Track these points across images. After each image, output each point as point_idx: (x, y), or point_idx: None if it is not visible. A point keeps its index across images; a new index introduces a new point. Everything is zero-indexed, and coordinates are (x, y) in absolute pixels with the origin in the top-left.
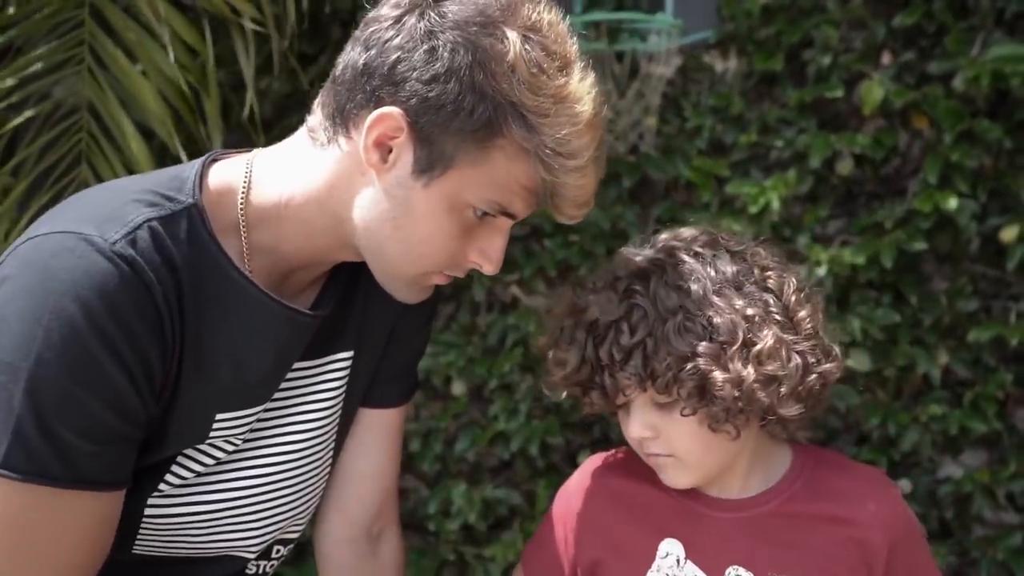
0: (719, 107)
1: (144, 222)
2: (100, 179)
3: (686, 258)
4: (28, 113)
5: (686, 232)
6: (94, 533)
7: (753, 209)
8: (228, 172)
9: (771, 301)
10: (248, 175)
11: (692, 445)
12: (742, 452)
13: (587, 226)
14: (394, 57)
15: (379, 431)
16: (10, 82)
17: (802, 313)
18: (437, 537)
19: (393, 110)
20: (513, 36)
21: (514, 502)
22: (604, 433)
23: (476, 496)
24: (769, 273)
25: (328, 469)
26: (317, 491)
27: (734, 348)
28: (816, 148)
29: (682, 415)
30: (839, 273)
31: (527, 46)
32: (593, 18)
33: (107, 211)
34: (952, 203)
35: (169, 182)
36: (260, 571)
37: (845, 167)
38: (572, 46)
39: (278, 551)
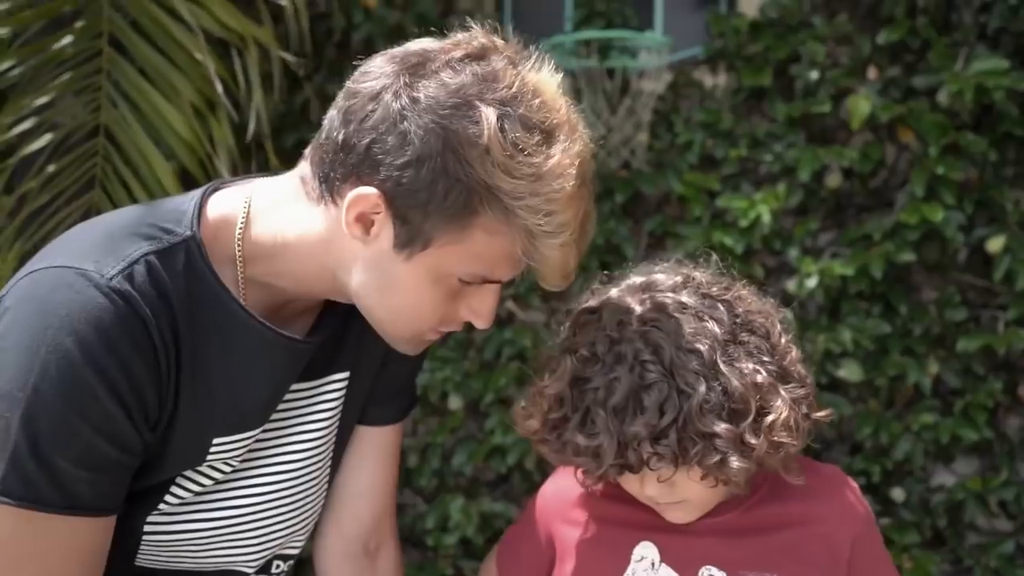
0: (709, 122)
1: (141, 256)
2: (114, 203)
3: (679, 315)
4: (45, 139)
5: (662, 279)
6: (86, 558)
7: (744, 223)
8: (227, 204)
9: (765, 348)
10: (247, 209)
11: (702, 494)
12: None
13: None
14: (369, 139)
15: (377, 448)
16: (26, 112)
17: (791, 356)
18: (435, 552)
19: (370, 191)
20: (489, 115)
21: (511, 516)
22: None
23: (473, 510)
24: (755, 317)
25: (325, 486)
26: (315, 508)
27: (747, 421)
28: (805, 162)
29: (701, 480)
30: (830, 284)
31: (505, 124)
32: (584, 36)
33: (105, 246)
34: (939, 215)
35: (168, 214)
36: None
37: (834, 180)
38: (559, 107)
39: (278, 566)
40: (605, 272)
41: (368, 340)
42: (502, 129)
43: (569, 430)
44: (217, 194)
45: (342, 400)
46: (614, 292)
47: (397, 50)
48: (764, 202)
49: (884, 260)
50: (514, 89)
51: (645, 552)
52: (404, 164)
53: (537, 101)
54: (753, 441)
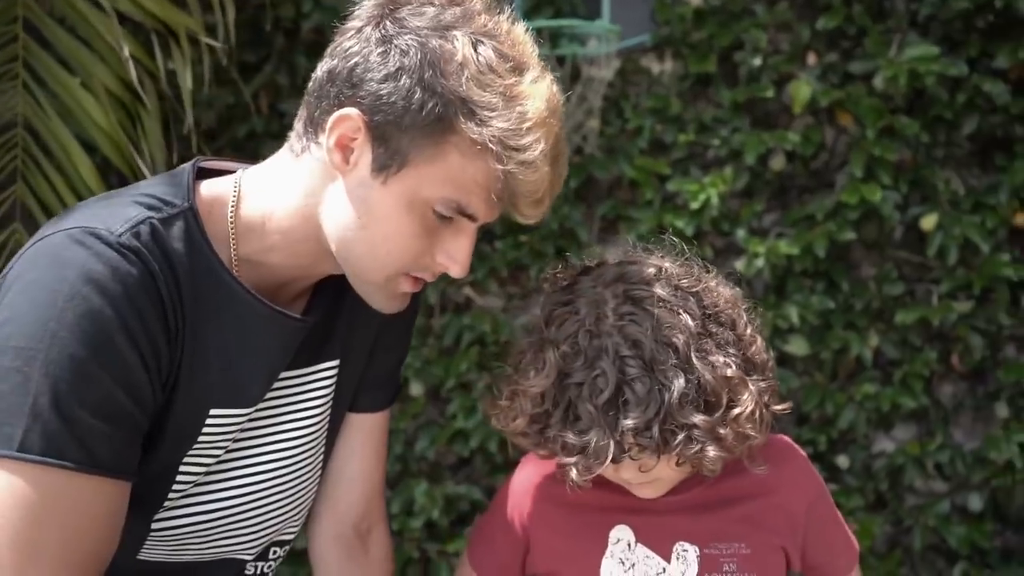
0: (658, 108)
1: (145, 219)
2: (37, 197)
3: (655, 310)
4: None
5: (635, 270)
6: (102, 524)
7: (694, 205)
8: (218, 186)
9: (732, 340)
10: (237, 189)
11: (672, 474)
12: None
13: (536, 227)
14: (353, 62)
15: (366, 434)
16: None
17: (756, 346)
18: (401, 535)
19: (351, 111)
20: (463, 39)
21: (475, 497)
22: None
23: (438, 493)
24: (721, 308)
25: (319, 472)
26: (309, 494)
27: (718, 413)
28: (750, 146)
29: (677, 465)
30: (776, 264)
31: (479, 48)
32: (534, 24)
33: (108, 212)
34: (877, 195)
35: (164, 188)
36: (258, 572)
37: (778, 163)
38: (530, 52)
39: (275, 552)
40: (566, 255)
41: (357, 328)
42: (476, 51)
43: (553, 426)
44: (208, 177)
45: (333, 387)
46: (586, 283)
47: None
48: (712, 185)
49: (827, 239)
50: (489, 27)
51: (621, 534)
52: (384, 77)
53: (510, 40)
54: (722, 432)
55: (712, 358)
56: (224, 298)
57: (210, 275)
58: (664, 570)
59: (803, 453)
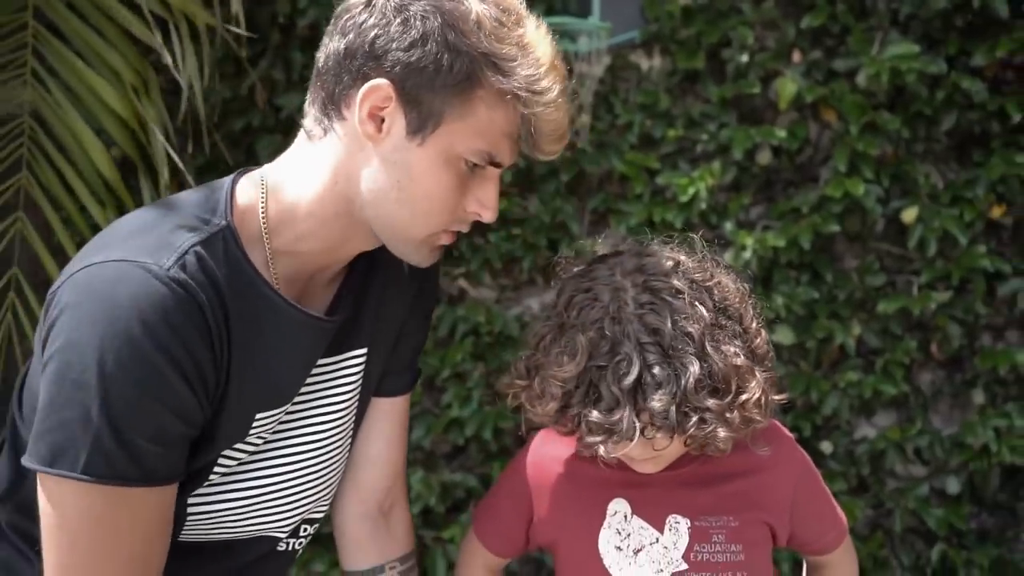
0: (647, 104)
1: (190, 248)
2: (43, 186)
3: (673, 301)
4: None
5: (653, 263)
6: (157, 523)
7: (683, 198)
8: (248, 189)
9: (739, 332)
10: (264, 188)
11: (673, 452)
12: None
13: (529, 219)
14: (372, 35)
15: (388, 417)
16: None
17: (760, 339)
18: None
19: (380, 81)
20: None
21: (470, 484)
22: None
23: (434, 481)
24: (730, 302)
25: (347, 454)
26: (338, 474)
27: (728, 398)
28: (738, 140)
29: (685, 444)
30: (762, 255)
31: (484, 5)
32: None
33: (156, 240)
34: (860, 188)
35: (204, 204)
36: (290, 548)
37: (764, 157)
38: (520, 5)
39: (305, 530)
40: (575, 243)
41: (382, 316)
42: (485, 8)
43: (575, 405)
44: (242, 180)
45: (361, 373)
46: (603, 271)
47: None
48: (701, 179)
49: (811, 231)
50: None
51: (618, 507)
52: (410, 44)
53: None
54: (731, 416)
55: (724, 347)
56: (263, 308)
57: (250, 289)
58: (657, 540)
59: (789, 435)
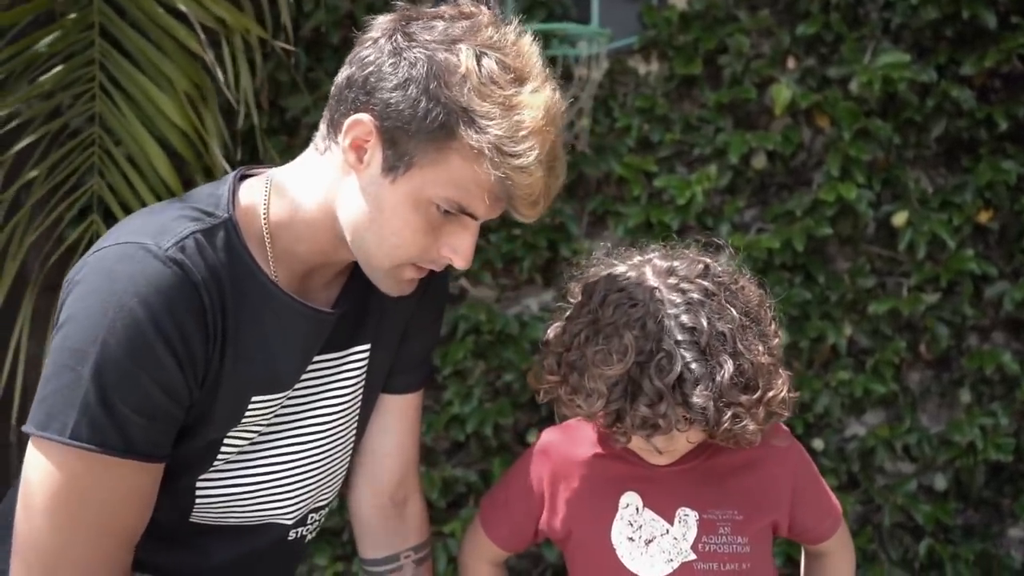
0: (645, 108)
1: (190, 234)
2: (114, 191)
3: (708, 301)
4: (41, 131)
5: (682, 266)
6: (136, 500)
7: (680, 201)
8: (252, 190)
9: (759, 334)
10: (267, 191)
11: (688, 445)
12: None
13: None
14: (368, 70)
15: (399, 414)
16: (20, 105)
17: (776, 341)
18: None
19: (364, 116)
20: (467, 51)
21: (470, 480)
22: (549, 412)
23: (435, 477)
24: (752, 306)
25: (351, 447)
26: (342, 466)
27: (757, 394)
28: (734, 145)
29: (712, 438)
30: (757, 257)
31: (482, 60)
32: (527, 27)
33: (158, 226)
34: (852, 193)
35: (207, 199)
36: (298, 536)
37: (759, 162)
38: (534, 63)
39: (313, 519)
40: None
41: (387, 315)
42: (479, 64)
43: (615, 401)
44: (246, 181)
45: (364, 370)
46: (631, 271)
47: (396, 13)
48: (698, 182)
49: (804, 234)
50: (495, 39)
51: (629, 500)
52: (395, 86)
53: (514, 51)
54: (758, 411)
55: (752, 347)
56: (261, 297)
57: (249, 278)
58: (667, 531)
59: (786, 429)
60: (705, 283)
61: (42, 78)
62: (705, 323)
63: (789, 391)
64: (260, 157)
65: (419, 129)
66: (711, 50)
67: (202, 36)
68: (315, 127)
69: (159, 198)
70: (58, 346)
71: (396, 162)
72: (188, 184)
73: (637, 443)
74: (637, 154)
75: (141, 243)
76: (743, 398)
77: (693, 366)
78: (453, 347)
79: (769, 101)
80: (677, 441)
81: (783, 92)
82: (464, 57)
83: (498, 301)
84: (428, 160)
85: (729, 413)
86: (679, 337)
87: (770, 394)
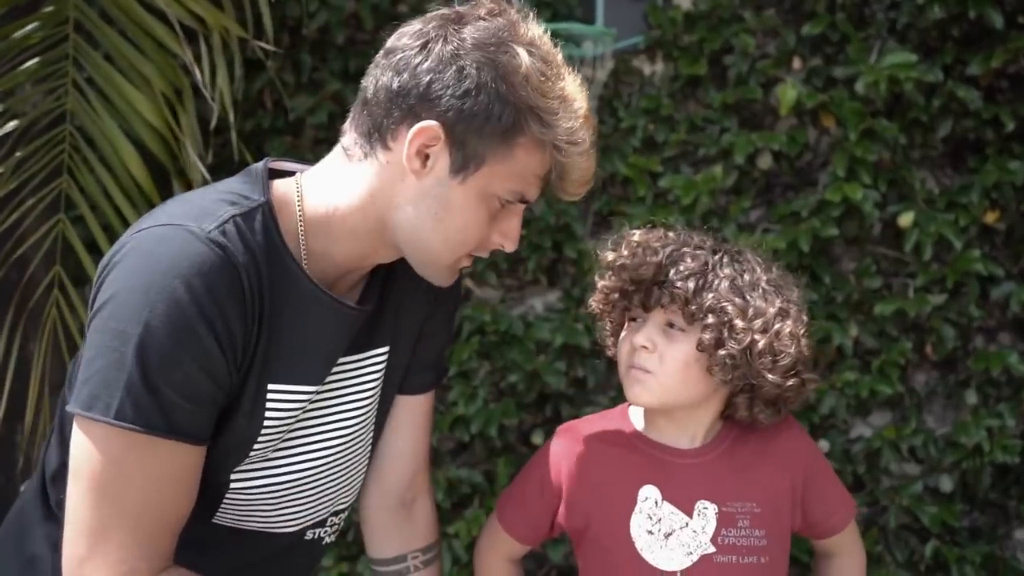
0: (650, 108)
1: (230, 217)
2: (82, 190)
3: (740, 257)
4: (10, 126)
5: (699, 237)
6: (178, 484)
7: (686, 201)
8: (284, 186)
9: (794, 314)
10: (299, 191)
11: (676, 370)
12: (708, 407)
13: (534, 221)
14: (427, 79)
15: (411, 414)
16: None
17: (804, 343)
18: None
19: (432, 123)
20: (522, 52)
21: (475, 480)
22: (554, 412)
23: (440, 477)
24: (787, 290)
25: (370, 449)
26: (361, 468)
27: (761, 319)
28: (739, 145)
29: (698, 350)
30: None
31: (532, 59)
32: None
33: (199, 209)
34: (858, 193)
35: (242, 185)
36: (316, 538)
37: (765, 162)
38: (557, 53)
39: (332, 522)
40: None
41: (403, 317)
42: (532, 62)
43: (633, 258)
44: (275, 179)
45: (383, 371)
46: (692, 245)
47: (427, 15)
48: (703, 183)
49: (810, 235)
50: (530, 35)
51: (648, 493)
52: (464, 93)
53: (546, 46)
54: (756, 335)
55: (771, 297)
56: (294, 287)
57: (283, 265)
58: (687, 524)
59: (799, 424)
60: (749, 255)
61: (13, 72)
62: (747, 277)
63: (805, 334)
64: (234, 158)
65: (492, 131)
66: (716, 50)
67: (180, 35)
68: (319, 127)
69: (130, 199)
70: (100, 327)
71: (466, 163)
72: (161, 185)
73: (625, 348)
74: (642, 154)
75: (183, 225)
76: (737, 300)
77: (725, 270)
78: (458, 347)
79: (775, 101)
80: (651, 330)
81: (789, 92)
82: (521, 59)
83: (503, 301)
84: (497, 158)
85: (717, 320)
86: (725, 271)
87: (776, 327)
